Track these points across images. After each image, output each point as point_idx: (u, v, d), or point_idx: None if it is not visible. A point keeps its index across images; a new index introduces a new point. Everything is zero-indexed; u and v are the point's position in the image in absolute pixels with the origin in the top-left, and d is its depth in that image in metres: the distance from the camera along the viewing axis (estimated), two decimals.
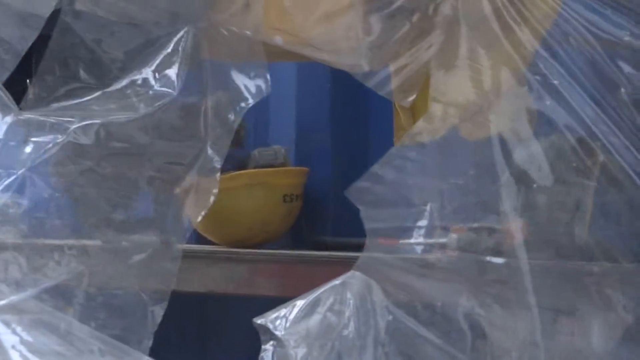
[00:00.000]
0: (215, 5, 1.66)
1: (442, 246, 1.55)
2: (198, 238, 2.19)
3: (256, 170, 2.18)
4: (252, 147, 2.26)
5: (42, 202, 1.64)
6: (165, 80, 1.60)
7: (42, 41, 1.64)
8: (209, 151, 1.60)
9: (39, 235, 1.63)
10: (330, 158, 2.33)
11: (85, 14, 1.64)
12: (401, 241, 1.56)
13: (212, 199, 1.62)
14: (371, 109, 2.32)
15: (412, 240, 1.56)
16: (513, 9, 1.53)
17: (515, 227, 1.51)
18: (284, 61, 2.14)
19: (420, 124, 1.60)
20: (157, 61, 1.62)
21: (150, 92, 1.60)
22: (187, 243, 1.91)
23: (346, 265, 1.52)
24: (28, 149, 1.55)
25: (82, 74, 1.64)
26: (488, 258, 1.51)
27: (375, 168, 1.53)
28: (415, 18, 1.60)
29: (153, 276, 1.61)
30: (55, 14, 1.63)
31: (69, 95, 1.63)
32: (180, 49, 1.63)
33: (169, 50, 1.63)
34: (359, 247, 1.56)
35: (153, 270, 1.61)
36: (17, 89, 1.65)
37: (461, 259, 1.53)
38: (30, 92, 1.63)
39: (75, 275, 1.58)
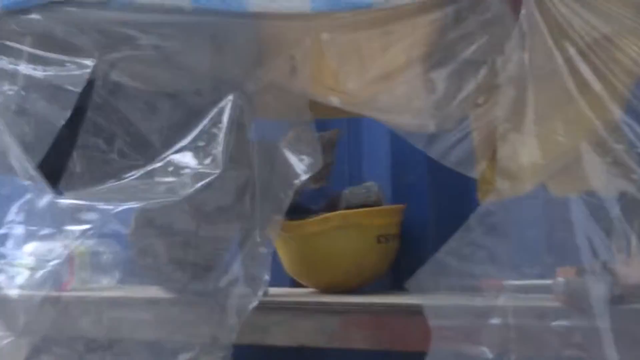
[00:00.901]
0: (263, 64, 1.51)
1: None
2: (293, 282, 2.10)
3: (347, 211, 2.03)
4: (346, 184, 2.14)
5: None
6: (208, 157, 1.47)
7: (78, 118, 1.52)
8: (257, 238, 1.42)
9: None
10: (427, 194, 2.19)
11: (121, 85, 1.53)
12: (505, 282, 1.44)
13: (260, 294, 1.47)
14: None
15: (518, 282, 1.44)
16: (589, 62, 1.35)
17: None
18: (342, 117, 1.99)
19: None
20: (199, 136, 1.49)
21: (191, 170, 1.46)
22: (282, 286, 1.92)
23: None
24: (62, 237, 1.46)
25: (122, 150, 1.54)
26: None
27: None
28: (481, 73, 1.44)
29: None
30: (90, 87, 1.53)
31: (107, 174, 1.52)
32: (224, 119, 1.49)
33: (212, 122, 1.49)
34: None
35: None
36: (54, 169, 1.54)
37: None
38: (68, 173, 1.54)
39: None
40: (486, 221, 1.45)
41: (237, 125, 1.48)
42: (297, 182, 1.50)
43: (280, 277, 1.90)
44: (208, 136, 1.48)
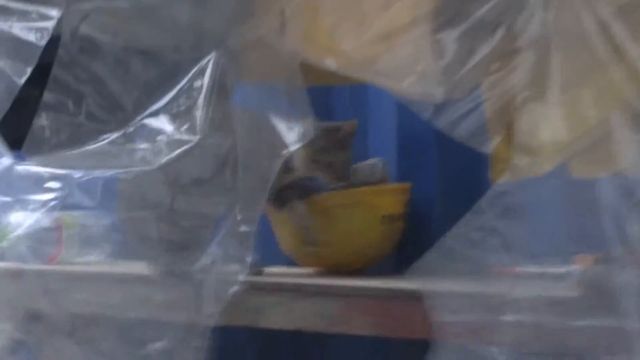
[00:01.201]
0: (248, 20, 1.38)
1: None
2: (290, 261, 1.97)
3: (350, 189, 1.90)
4: None
5: None
6: (186, 123, 1.34)
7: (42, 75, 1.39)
8: (239, 215, 1.29)
9: None
10: (434, 171, 2.05)
11: (91, 40, 1.40)
12: (519, 269, 1.34)
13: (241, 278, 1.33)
14: None
15: (532, 269, 1.33)
16: (625, 23, 1.19)
17: None
18: (339, 83, 1.88)
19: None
20: (177, 98, 1.36)
21: (167, 137, 1.34)
22: (278, 265, 1.82)
23: None
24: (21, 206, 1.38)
25: (91, 113, 1.40)
26: None
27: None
28: (497, 35, 1.28)
29: None
30: (57, 41, 1.39)
31: (75, 137, 1.39)
32: (205, 80, 1.35)
33: (191, 82, 1.36)
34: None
35: None
36: (16, 131, 1.42)
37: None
38: (31, 135, 1.39)
39: None
40: (500, 203, 1.32)
41: (220, 88, 1.36)
42: (285, 152, 1.36)
43: (276, 256, 1.84)
44: (186, 99, 1.36)
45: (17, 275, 1.55)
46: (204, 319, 1.37)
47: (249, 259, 1.37)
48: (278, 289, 1.56)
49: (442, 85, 1.31)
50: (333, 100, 2.08)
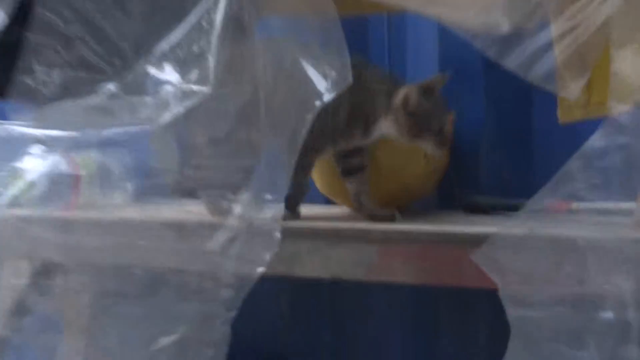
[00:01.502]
0: None
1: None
2: (327, 200, 1.88)
3: None
4: None
5: None
6: (195, 70, 1.13)
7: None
8: (259, 181, 1.11)
9: None
10: (481, 100, 1.90)
11: None
12: (574, 205, 1.30)
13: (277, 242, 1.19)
14: None
15: (590, 205, 1.27)
16: None
17: None
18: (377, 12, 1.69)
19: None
20: (184, 40, 1.13)
21: (173, 88, 1.13)
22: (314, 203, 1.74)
23: None
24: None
25: (82, 58, 1.18)
26: None
27: None
28: None
29: None
30: None
31: (66, 89, 1.19)
32: (217, 17, 1.13)
33: (201, 20, 1.13)
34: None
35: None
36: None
37: None
38: (16, 84, 1.20)
39: None
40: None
41: (236, 26, 1.15)
42: (318, 103, 1.15)
43: (313, 194, 1.72)
44: (195, 41, 1.15)
45: (32, 222, 1.43)
46: (222, 310, 1.23)
47: (278, 236, 1.23)
48: (313, 233, 1.47)
49: (506, 13, 1.13)
50: (369, 30, 1.92)
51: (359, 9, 1.33)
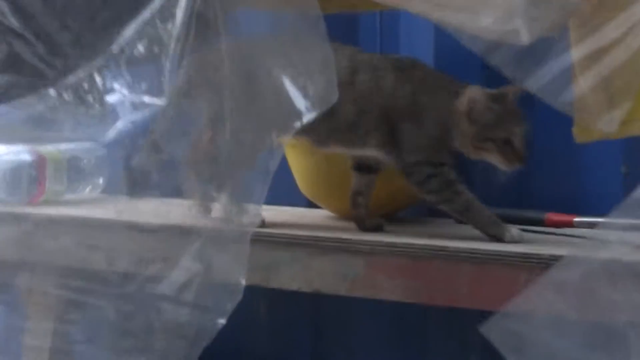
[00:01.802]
0: None
1: None
2: (309, 203, 1.85)
3: None
4: None
5: None
6: (149, 78, 1.00)
7: None
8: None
9: None
10: None
11: None
12: (576, 219, 1.37)
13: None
14: None
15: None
16: None
17: None
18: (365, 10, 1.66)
19: None
20: (137, 39, 0.99)
21: (122, 97, 1.00)
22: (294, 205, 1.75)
23: (497, 263, 1.26)
24: None
25: (17, 58, 1.03)
26: None
27: None
28: None
29: None
30: None
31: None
32: (178, 12, 0.99)
33: (158, 15, 0.99)
34: (518, 221, 1.39)
35: None
36: None
37: None
38: None
39: None
40: None
41: (199, 21, 1.01)
42: (296, 124, 1.02)
43: (294, 197, 1.73)
44: (149, 41, 1.01)
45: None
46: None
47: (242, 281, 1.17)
48: (292, 242, 1.43)
49: (527, 21, 1.05)
50: (360, 28, 1.85)
51: (345, 5, 1.29)
